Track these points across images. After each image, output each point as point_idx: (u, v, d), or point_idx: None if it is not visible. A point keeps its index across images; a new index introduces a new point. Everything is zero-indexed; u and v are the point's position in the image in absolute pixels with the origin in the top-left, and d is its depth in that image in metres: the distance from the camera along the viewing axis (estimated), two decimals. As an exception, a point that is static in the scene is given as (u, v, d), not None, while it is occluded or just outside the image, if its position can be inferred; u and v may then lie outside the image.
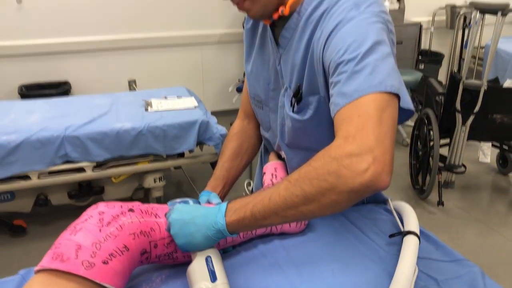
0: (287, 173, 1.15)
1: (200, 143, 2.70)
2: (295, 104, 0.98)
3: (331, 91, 0.82)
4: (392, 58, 0.82)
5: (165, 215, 0.89)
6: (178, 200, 0.95)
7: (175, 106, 2.80)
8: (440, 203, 2.89)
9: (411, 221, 1.04)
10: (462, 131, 2.80)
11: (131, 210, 0.86)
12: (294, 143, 1.06)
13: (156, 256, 0.88)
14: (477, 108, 2.71)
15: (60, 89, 3.64)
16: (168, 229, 0.86)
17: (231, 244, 0.99)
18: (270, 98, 1.10)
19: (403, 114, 0.83)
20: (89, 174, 2.48)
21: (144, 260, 0.86)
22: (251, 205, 0.78)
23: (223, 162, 1.20)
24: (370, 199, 1.21)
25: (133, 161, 2.57)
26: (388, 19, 0.89)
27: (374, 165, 0.70)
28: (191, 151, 2.68)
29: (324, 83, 0.91)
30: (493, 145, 3.14)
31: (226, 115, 3.92)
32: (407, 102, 0.81)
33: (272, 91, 1.09)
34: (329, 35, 0.85)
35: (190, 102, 2.87)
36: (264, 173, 1.14)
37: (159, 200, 2.78)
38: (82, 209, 0.85)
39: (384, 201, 1.22)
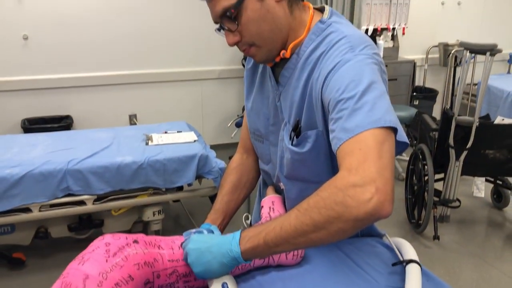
0: (285, 206, 1.20)
1: (199, 177, 2.75)
2: (294, 137, 1.04)
3: (331, 127, 0.88)
4: (387, 95, 0.90)
5: (181, 245, 0.96)
6: (193, 230, 1.00)
7: (175, 140, 2.87)
8: (436, 237, 2.92)
9: (410, 251, 1.09)
10: (456, 166, 2.86)
11: (135, 241, 0.91)
12: (292, 174, 1.11)
13: (159, 286, 0.92)
14: (469, 144, 2.78)
15: (62, 123, 3.71)
16: (185, 259, 0.91)
17: (230, 275, 1.03)
18: (270, 132, 1.17)
19: (399, 147, 0.90)
20: (89, 207, 2.52)
21: (147, 290, 0.90)
22: (264, 234, 0.84)
23: (223, 196, 1.25)
24: (365, 232, 1.25)
25: (133, 194, 2.62)
26: (381, 60, 0.97)
27: (377, 195, 0.76)
28: (189, 184, 2.72)
29: (323, 118, 0.98)
30: (487, 180, 3.20)
31: (225, 149, 3.99)
32: (403, 135, 0.88)
33: (272, 125, 1.15)
34: (328, 75, 0.93)
35: (190, 136, 2.94)
36: (262, 206, 1.19)
37: (157, 233, 2.80)
38: (82, 242, 0.91)
39: (379, 235, 1.26)
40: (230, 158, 4.39)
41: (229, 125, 3.65)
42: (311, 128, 1.02)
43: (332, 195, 0.79)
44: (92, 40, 3.84)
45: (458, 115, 2.78)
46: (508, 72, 5.21)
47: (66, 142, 2.80)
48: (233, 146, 4.41)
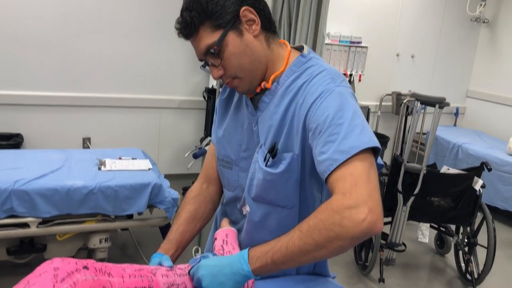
0: (238, 240, 1.21)
1: (150, 206, 2.70)
2: (270, 159, 1.10)
3: (321, 149, 0.98)
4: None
5: (188, 272, 1.03)
6: (198, 256, 1.06)
7: (129, 167, 2.82)
8: (381, 280, 2.98)
9: None
10: (403, 211, 2.96)
11: (85, 267, 0.89)
12: (260, 196, 1.15)
13: (105, 315, 0.90)
14: (416, 190, 2.90)
15: (12, 141, 3.58)
16: (197, 284, 0.99)
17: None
18: (241, 158, 1.22)
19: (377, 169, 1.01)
20: (33, 230, 2.41)
21: (93, 318, 0.88)
22: (271, 254, 0.94)
23: (178, 225, 1.25)
24: (317, 271, 1.28)
25: (80, 220, 2.53)
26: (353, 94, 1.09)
27: (370, 215, 0.87)
28: (140, 213, 2.67)
29: (301, 142, 1.07)
30: (431, 226, 3.31)
31: (179, 179, 3.96)
32: (379, 159, 1.02)
33: (244, 151, 1.21)
34: (314, 102, 1.04)
35: (145, 164, 2.90)
36: (216, 238, 1.20)
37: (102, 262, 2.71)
38: (20, 267, 0.88)
39: (330, 276, 1.30)
40: (183, 188, 4.37)
41: (186, 155, 3.63)
42: (287, 151, 1.10)
43: (329, 217, 0.89)
44: (48, 58, 3.76)
45: (407, 162, 2.91)
46: (454, 125, 5.51)
47: (14, 161, 2.69)
48: (188, 177, 4.41)
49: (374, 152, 0.99)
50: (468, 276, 3.10)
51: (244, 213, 1.22)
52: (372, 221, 0.87)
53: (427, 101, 2.79)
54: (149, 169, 2.84)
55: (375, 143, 0.97)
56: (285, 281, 1.20)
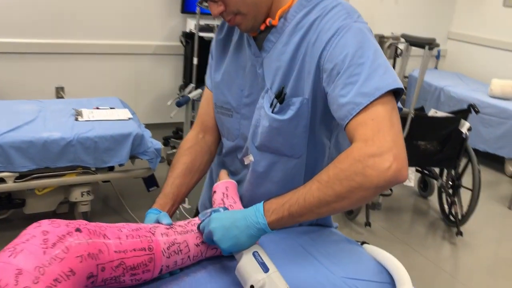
0: (238, 193, 1.13)
1: (132, 157, 2.60)
2: (277, 104, 1.01)
3: (340, 92, 0.90)
4: None
5: (198, 227, 0.96)
6: (208, 210, 0.98)
7: (107, 117, 2.69)
8: (368, 224, 2.99)
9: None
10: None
11: (78, 229, 0.80)
12: (266, 145, 1.07)
13: (103, 280, 0.82)
14: (404, 134, 2.86)
15: (-22, 92, 3.37)
16: (208, 239, 0.92)
17: (180, 267, 0.95)
18: (243, 104, 1.12)
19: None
20: (10, 185, 2.29)
21: (89, 284, 0.80)
22: (287, 206, 0.87)
23: (174, 178, 1.15)
24: (319, 221, 1.24)
25: (59, 173, 2.42)
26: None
27: (395, 163, 0.80)
28: (121, 165, 2.57)
29: (312, 85, 0.98)
30: (416, 170, 3.32)
31: (159, 129, 3.85)
32: (399, 83, 0.90)
33: (246, 97, 1.11)
34: (330, 40, 0.93)
35: (124, 113, 2.77)
36: (215, 191, 1.11)
37: (85, 215, 2.63)
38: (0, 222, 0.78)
39: (332, 226, 1.26)
40: (164, 138, 4.26)
41: (169, 103, 3.47)
42: (296, 95, 1.01)
43: (351, 166, 0.82)
44: (16, 3, 3.50)
45: (395, 106, 2.84)
46: (436, 68, 5.46)
47: (-16, 113, 2.53)
48: (167, 126, 4.28)
49: (395, 94, 0.91)
50: (452, 218, 3.15)
51: (246, 163, 1.14)
52: (398, 169, 0.80)
53: (417, 42, 2.70)
54: (129, 118, 2.71)
55: (400, 84, 0.89)
56: (287, 233, 1.14)
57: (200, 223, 0.96)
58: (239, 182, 1.17)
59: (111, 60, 4.00)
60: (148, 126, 2.86)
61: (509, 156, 4.05)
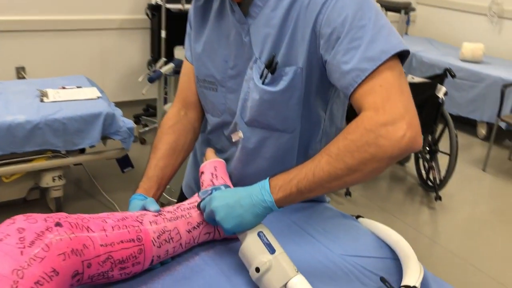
0: (227, 172, 1.06)
1: (104, 138, 2.49)
2: (268, 74, 0.94)
3: (342, 58, 0.83)
4: None
5: (198, 206, 0.90)
6: (209, 188, 0.94)
7: (75, 96, 2.55)
8: (348, 193, 2.99)
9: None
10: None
11: (58, 224, 0.71)
12: (256, 119, 1.00)
13: (89, 277, 0.74)
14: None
15: None
16: (209, 218, 0.87)
17: (171, 256, 0.88)
18: (228, 77, 1.03)
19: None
20: (-26, 174, 2.17)
21: (75, 283, 0.72)
22: (295, 181, 0.81)
23: (157, 160, 1.06)
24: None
25: (28, 158, 2.29)
26: None
27: (409, 131, 0.76)
28: (92, 146, 2.46)
29: (307, 52, 0.90)
30: (393, 137, 3.31)
31: (129, 107, 3.71)
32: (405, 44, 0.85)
33: (232, 69, 1.02)
34: (325, 2, 0.86)
35: (92, 92, 2.64)
36: (202, 172, 1.04)
37: (58, 201, 2.52)
38: None
39: (323, 201, 1.21)
40: (135, 117, 4.12)
41: (140, 79, 3.32)
42: (289, 64, 0.93)
43: (363, 137, 0.77)
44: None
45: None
46: (406, 33, 5.43)
47: None
48: (137, 104, 4.13)
49: (400, 58, 0.84)
50: (429, 183, 3.17)
51: (234, 140, 1.07)
52: (412, 136, 0.76)
53: (393, 7, 2.65)
54: (98, 97, 2.59)
55: (406, 45, 0.83)
56: (279, 211, 1.08)
57: (201, 202, 0.90)
58: (226, 160, 1.10)
59: (74, 37, 3.80)
60: (117, 104, 2.73)
61: (481, 119, 4.10)
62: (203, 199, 0.90)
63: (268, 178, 0.85)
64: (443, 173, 3.07)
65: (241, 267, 0.88)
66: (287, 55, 0.93)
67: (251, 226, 0.84)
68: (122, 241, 0.77)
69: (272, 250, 0.80)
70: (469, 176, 3.58)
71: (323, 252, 0.97)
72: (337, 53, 0.84)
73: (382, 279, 0.86)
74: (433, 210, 3.08)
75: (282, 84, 0.94)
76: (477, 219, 3.06)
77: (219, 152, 1.12)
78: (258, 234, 0.83)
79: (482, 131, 4.20)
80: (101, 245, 0.75)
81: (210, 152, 1.08)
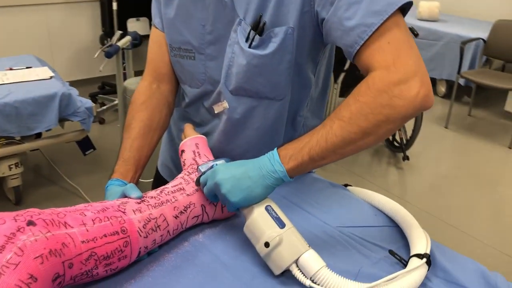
0: (209, 148, 0.98)
1: (61, 120, 2.34)
2: (256, 36, 0.86)
3: (345, 14, 0.77)
4: None
5: (197, 181, 0.84)
6: (210, 162, 0.88)
7: (25, 77, 2.38)
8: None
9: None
10: (334, 88, 2.88)
11: (30, 222, 0.62)
12: (243, 87, 0.92)
13: (72, 278, 0.66)
14: (346, 66, 2.79)
15: None
16: (210, 193, 0.81)
17: (159, 244, 0.80)
18: (206, 43, 0.94)
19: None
20: None
21: (56, 286, 0.64)
22: (307, 149, 0.77)
23: (132, 140, 0.96)
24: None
25: (-21, 148, 2.13)
26: None
27: (422, 89, 0.73)
28: (48, 130, 2.31)
29: (299, 10, 0.83)
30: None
31: (82, 85, 3.52)
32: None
33: (209, 33, 0.93)
34: None
35: (44, 72, 2.47)
36: (183, 150, 0.95)
37: (17, 190, 2.37)
38: None
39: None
40: (91, 96, 3.92)
41: (96, 55, 3.13)
42: (279, 24, 0.86)
43: (376, 99, 0.73)
44: None
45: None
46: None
47: None
48: (93, 81, 3.93)
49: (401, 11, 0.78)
50: (396, 144, 3.19)
51: (217, 111, 0.98)
52: (425, 94, 0.73)
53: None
54: (50, 77, 2.43)
55: None
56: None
57: (200, 176, 0.84)
58: (207, 134, 1.02)
59: (18, 13, 3.55)
60: (70, 84, 2.57)
61: (440, 77, 4.15)
62: (204, 172, 0.83)
63: (276, 148, 0.80)
64: (409, 133, 3.09)
65: (236, 251, 0.82)
66: (275, 15, 0.85)
67: (260, 199, 0.78)
68: (105, 235, 0.69)
69: (281, 225, 0.76)
70: (433, 134, 3.64)
71: (320, 226, 0.92)
72: (338, 9, 0.77)
73: (391, 252, 0.82)
74: (401, 170, 3.11)
75: (271, 47, 0.86)
76: (443, 175, 3.12)
77: (198, 126, 1.04)
78: (266, 208, 0.78)
79: (442, 89, 4.27)
80: (82, 242, 0.66)
81: (189, 128, 0.99)
